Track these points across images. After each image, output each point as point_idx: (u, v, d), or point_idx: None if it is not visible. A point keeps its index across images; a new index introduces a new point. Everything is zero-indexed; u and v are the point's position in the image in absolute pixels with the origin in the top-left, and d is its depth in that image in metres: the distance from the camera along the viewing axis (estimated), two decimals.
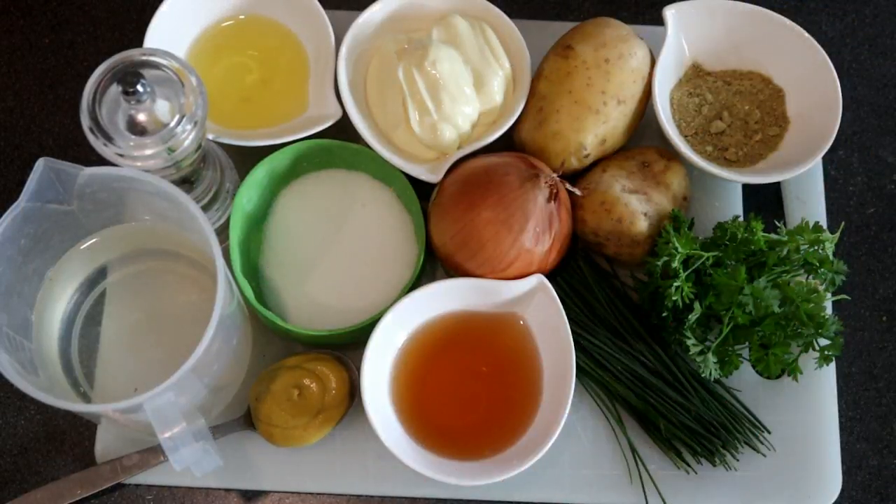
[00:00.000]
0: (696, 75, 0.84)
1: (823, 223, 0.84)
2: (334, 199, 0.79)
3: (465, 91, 0.76)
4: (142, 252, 0.74)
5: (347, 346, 0.77)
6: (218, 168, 0.75)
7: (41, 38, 0.90)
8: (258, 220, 0.78)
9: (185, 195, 0.62)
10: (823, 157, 0.81)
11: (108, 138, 0.63)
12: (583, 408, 0.77)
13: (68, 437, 0.76)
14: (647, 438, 0.76)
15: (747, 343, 0.73)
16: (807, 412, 0.78)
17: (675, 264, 0.72)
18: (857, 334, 0.83)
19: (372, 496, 0.76)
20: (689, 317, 0.72)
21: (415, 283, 0.75)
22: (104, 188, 0.64)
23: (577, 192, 0.74)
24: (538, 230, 0.72)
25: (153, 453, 0.72)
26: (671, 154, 0.80)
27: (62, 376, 0.70)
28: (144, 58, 0.64)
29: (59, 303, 0.71)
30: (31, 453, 0.76)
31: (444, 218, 0.74)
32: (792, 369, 0.73)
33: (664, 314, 0.73)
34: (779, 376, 0.79)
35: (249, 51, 0.83)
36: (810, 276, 0.74)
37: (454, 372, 0.75)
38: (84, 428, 0.76)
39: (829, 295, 0.77)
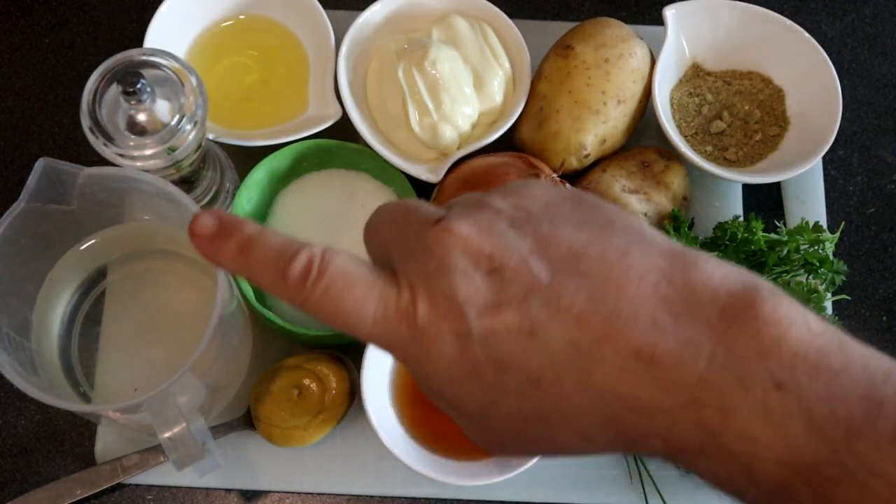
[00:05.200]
0: (696, 75, 0.84)
1: (823, 223, 0.84)
2: (334, 199, 0.79)
3: (465, 91, 0.76)
4: (142, 252, 0.74)
5: (347, 346, 0.77)
6: (218, 168, 0.75)
7: (41, 38, 0.90)
8: (258, 220, 0.78)
9: (185, 195, 0.62)
10: (823, 157, 0.81)
11: (108, 138, 0.63)
12: None
13: (68, 437, 0.76)
14: None
15: None
16: None
17: None
18: (857, 334, 0.82)
19: (372, 496, 0.76)
20: None
21: None
22: (104, 188, 0.64)
23: None
24: None
25: (153, 453, 0.72)
26: (671, 154, 0.80)
27: (62, 376, 0.70)
28: (144, 58, 0.64)
29: (59, 303, 0.71)
30: (31, 453, 0.76)
31: None
32: None
33: None
34: None
35: (249, 51, 0.83)
36: (810, 276, 0.74)
37: None
38: (84, 428, 0.76)
39: (829, 295, 0.77)
